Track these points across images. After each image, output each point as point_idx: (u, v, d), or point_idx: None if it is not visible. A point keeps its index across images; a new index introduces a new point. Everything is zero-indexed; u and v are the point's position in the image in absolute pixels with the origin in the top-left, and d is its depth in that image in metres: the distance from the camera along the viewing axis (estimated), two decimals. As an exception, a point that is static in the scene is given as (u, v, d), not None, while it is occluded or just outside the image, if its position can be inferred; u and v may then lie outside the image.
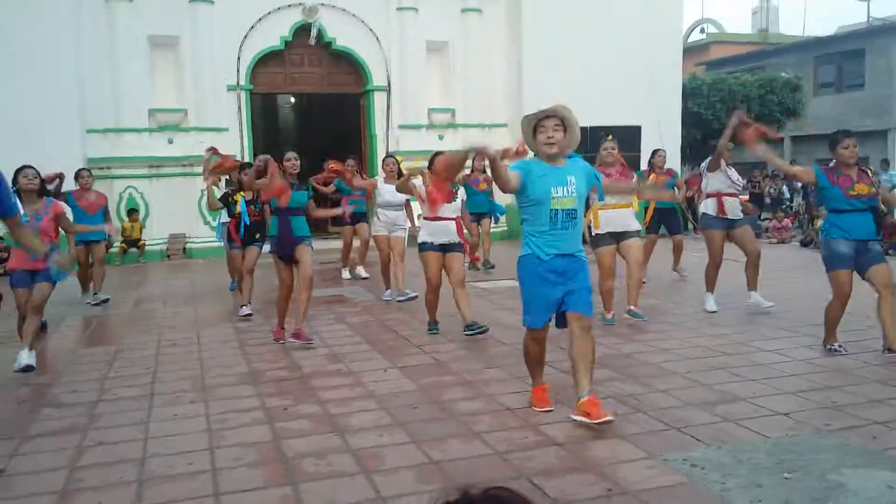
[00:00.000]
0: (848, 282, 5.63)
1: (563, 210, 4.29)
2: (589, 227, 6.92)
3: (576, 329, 4.32)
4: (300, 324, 6.40)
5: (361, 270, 10.49)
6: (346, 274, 10.52)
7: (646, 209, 9.47)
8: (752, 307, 7.36)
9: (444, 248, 6.59)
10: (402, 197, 8.23)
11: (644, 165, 14.39)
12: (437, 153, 7.03)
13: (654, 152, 9.72)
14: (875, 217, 5.68)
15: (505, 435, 4.14)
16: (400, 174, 8.55)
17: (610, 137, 7.29)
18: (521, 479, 3.55)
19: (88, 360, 6.18)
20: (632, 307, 7.00)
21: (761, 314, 7.17)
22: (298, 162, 6.58)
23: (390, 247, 8.47)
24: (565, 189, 4.28)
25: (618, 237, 6.95)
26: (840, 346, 5.72)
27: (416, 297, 8.08)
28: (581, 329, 4.33)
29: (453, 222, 6.62)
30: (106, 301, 8.88)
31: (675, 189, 9.77)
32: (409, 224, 8.55)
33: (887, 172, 17.92)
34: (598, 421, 4.10)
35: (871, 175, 5.72)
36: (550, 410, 4.49)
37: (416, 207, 7.30)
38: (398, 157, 9.23)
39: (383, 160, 9.17)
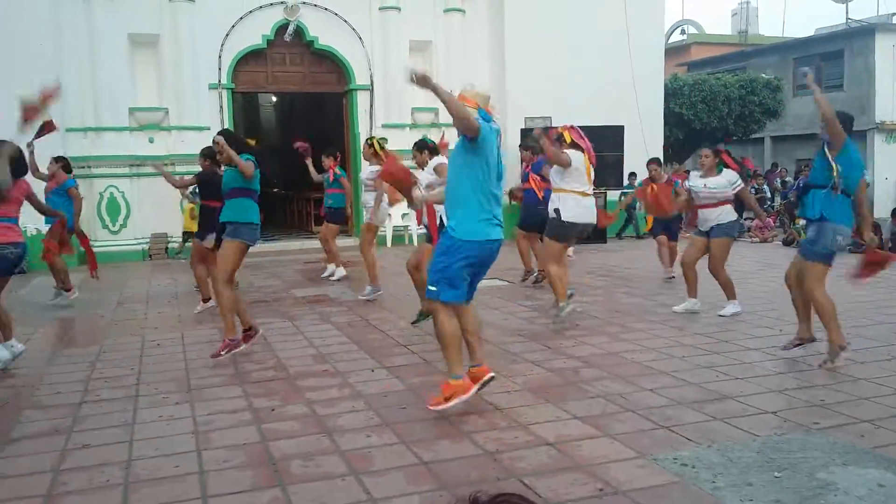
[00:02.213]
0: None
1: None
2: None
3: None
4: (227, 333, 5.99)
5: (341, 270, 10.29)
6: (339, 272, 10.27)
7: (646, 218, 9.70)
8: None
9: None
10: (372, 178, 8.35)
11: (627, 165, 14.53)
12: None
13: (650, 162, 9.84)
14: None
15: (495, 435, 4.12)
16: (375, 154, 8.44)
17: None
18: (511, 479, 3.53)
19: (71, 361, 6.09)
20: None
21: (746, 314, 7.21)
22: (219, 146, 5.85)
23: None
24: None
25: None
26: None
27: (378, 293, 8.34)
28: None
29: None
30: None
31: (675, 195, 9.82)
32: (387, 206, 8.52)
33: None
34: None
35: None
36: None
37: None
38: (371, 138, 9.02)
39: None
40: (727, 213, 7.23)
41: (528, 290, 8.96)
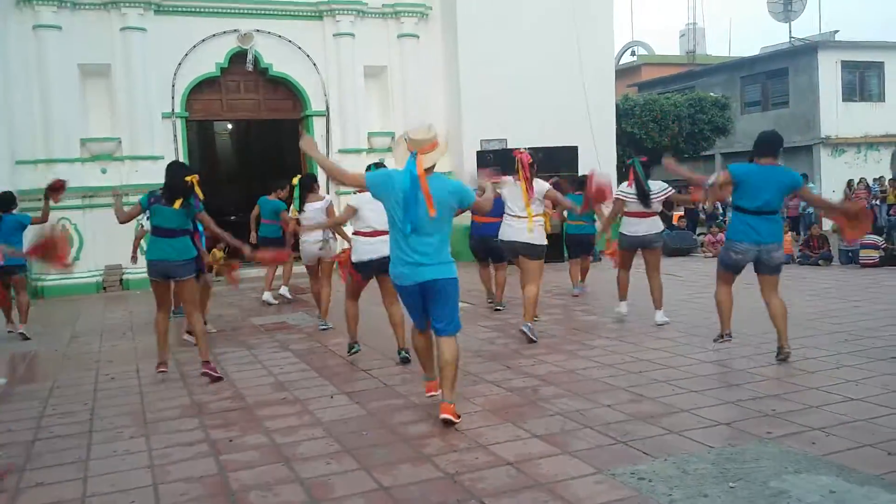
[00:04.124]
0: None
1: None
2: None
3: None
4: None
5: (285, 291, 10.66)
6: (283, 290, 10.70)
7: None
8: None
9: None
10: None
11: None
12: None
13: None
14: None
15: (455, 456, 4.13)
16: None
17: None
18: (471, 501, 3.55)
19: (23, 398, 5.96)
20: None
21: (700, 328, 7.33)
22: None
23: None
24: None
25: None
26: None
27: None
28: None
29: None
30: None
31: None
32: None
33: (808, 185, 18.61)
34: None
35: None
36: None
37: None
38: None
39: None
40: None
41: (487, 311, 9.01)
